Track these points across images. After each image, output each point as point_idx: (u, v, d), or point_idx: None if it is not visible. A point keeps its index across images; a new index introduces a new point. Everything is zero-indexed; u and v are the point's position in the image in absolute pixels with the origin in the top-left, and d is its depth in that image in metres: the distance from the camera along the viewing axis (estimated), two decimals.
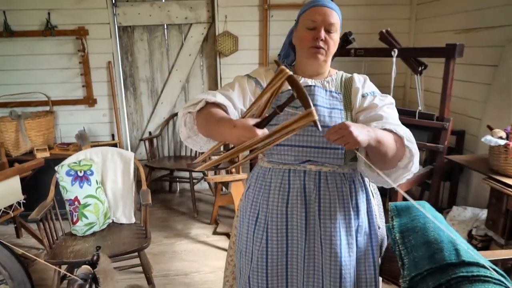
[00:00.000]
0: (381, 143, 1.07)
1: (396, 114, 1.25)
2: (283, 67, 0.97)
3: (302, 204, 1.26)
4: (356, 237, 1.28)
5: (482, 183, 2.20)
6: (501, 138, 2.10)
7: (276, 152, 1.27)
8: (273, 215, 1.29)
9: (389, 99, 1.28)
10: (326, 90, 1.30)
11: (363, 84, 1.32)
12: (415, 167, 1.15)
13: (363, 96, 1.28)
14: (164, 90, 3.95)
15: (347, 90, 1.32)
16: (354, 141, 0.99)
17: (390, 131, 1.12)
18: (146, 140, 3.79)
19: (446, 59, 2.63)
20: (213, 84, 3.99)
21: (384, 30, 3.12)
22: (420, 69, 2.96)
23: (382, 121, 1.17)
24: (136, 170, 2.64)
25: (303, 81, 1.33)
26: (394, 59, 2.89)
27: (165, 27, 3.83)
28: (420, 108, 2.93)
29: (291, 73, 0.96)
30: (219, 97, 1.19)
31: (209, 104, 1.17)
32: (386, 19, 3.72)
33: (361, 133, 1.00)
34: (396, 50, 2.86)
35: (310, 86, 1.29)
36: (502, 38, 2.61)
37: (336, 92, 1.30)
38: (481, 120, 2.77)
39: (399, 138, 1.11)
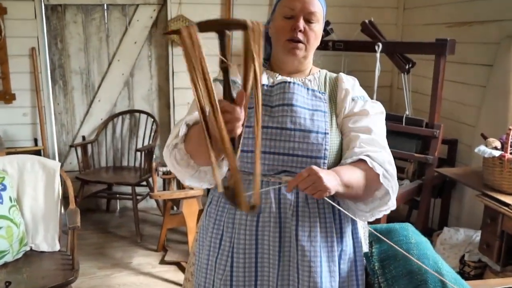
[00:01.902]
0: (349, 187, 1.16)
1: (384, 127, 1.34)
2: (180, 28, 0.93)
3: (275, 223, 1.25)
4: (339, 264, 1.28)
5: (476, 200, 2.28)
6: (495, 148, 2.20)
7: (245, 159, 1.26)
8: (240, 236, 1.27)
9: (380, 108, 1.35)
10: (308, 89, 1.32)
11: (352, 85, 1.36)
12: (392, 203, 1.25)
13: (353, 99, 1.33)
14: (102, 85, 3.89)
15: (332, 91, 1.35)
16: (324, 188, 1.09)
17: (366, 163, 1.19)
18: (78, 147, 3.70)
19: (436, 56, 2.74)
20: (164, 79, 3.95)
21: (367, 21, 3.20)
22: (407, 67, 3.06)
23: (362, 144, 1.25)
24: (63, 184, 2.58)
25: (280, 78, 1.35)
26: (378, 54, 2.97)
27: (105, 7, 3.77)
28: (407, 112, 3.02)
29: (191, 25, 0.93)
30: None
31: (192, 127, 1.20)
32: (370, 7, 3.82)
33: (330, 180, 1.10)
34: (380, 44, 2.95)
35: (287, 82, 1.31)
36: (497, 34, 2.75)
37: (320, 92, 1.33)
38: (475, 127, 2.89)
39: (375, 173, 1.19)
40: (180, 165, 1.22)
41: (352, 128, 1.29)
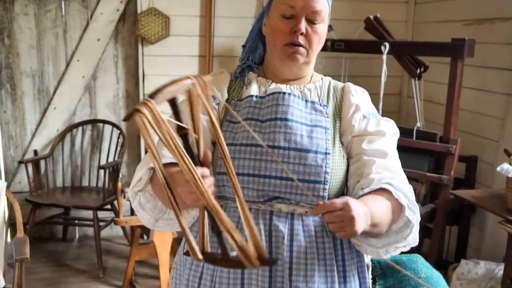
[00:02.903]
0: (376, 226, 1.15)
1: (396, 150, 1.37)
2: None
3: None
4: None
5: (499, 228, 2.31)
6: None
7: (226, 182, 1.26)
8: (223, 274, 1.26)
9: (395, 128, 1.38)
10: (306, 101, 1.33)
11: (363, 100, 1.38)
12: (413, 238, 1.24)
13: (364, 116, 1.35)
14: (59, 90, 3.88)
15: (337, 104, 1.36)
16: (352, 231, 1.07)
17: (389, 193, 1.20)
18: (29, 163, 3.69)
19: (452, 58, 2.77)
20: (133, 84, 3.96)
21: (371, 17, 3.23)
22: (418, 71, 3.09)
23: (379, 169, 1.26)
24: (10, 207, 2.59)
25: (273, 87, 1.35)
26: (385, 56, 3.00)
27: None
28: (418, 124, 3.04)
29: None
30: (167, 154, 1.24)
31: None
32: (375, 1, 3.87)
33: (361, 223, 1.08)
34: (387, 45, 2.97)
35: (281, 93, 1.31)
36: None
37: (321, 104, 1.33)
38: (498, 142, 2.92)
39: (398, 204, 1.20)
40: (144, 209, 1.27)
41: (365, 150, 1.30)
